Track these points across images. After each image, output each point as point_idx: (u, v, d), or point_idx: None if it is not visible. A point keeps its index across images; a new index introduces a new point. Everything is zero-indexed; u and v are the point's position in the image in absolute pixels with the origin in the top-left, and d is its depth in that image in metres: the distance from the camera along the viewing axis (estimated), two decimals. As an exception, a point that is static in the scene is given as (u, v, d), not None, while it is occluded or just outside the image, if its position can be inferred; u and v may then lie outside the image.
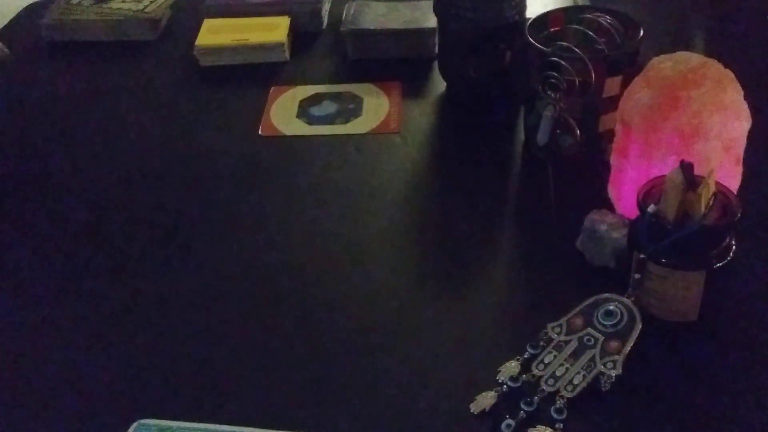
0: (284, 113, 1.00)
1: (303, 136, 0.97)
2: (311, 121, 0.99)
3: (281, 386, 0.67)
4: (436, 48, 1.05)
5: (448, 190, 0.89)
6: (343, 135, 0.96)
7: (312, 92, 1.04)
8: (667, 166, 0.68)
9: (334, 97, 1.03)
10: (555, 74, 0.80)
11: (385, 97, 1.02)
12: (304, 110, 1.01)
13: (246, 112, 1.02)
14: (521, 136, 0.93)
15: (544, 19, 0.86)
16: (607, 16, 0.84)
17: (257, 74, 1.09)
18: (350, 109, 1.00)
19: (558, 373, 0.65)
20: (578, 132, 0.82)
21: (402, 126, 0.97)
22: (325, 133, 0.97)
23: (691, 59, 0.72)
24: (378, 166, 0.92)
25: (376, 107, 1.00)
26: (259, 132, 0.98)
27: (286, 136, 0.97)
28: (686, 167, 0.64)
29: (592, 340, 0.66)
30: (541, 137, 0.83)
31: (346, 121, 0.98)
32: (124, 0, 1.22)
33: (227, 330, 0.73)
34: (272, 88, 1.05)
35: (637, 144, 0.73)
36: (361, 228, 0.83)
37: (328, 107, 1.01)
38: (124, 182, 0.92)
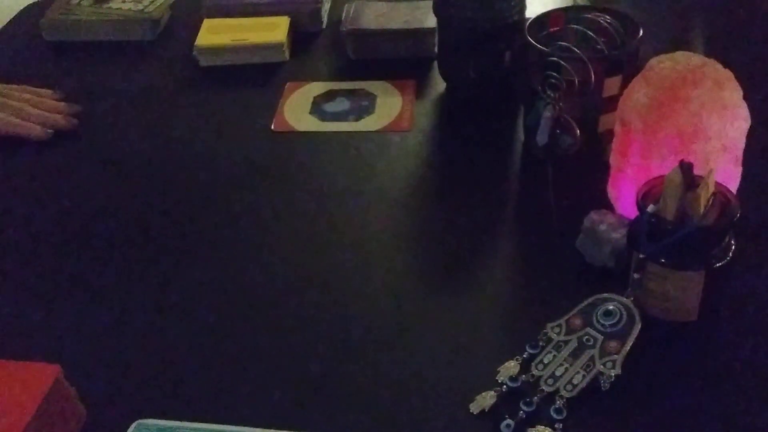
0: (298, 109, 1.01)
1: (314, 132, 0.97)
2: (324, 117, 0.99)
3: (281, 386, 0.67)
4: (436, 48, 1.05)
5: (447, 190, 0.89)
6: (353, 132, 0.96)
7: (326, 89, 1.04)
8: (666, 166, 0.68)
9: (348, 93, 1.03)
10: (555, 74, 0.80)
11: (399, 95, 1.02)
12: (317, 106, 1.01)
13: (245, 112, 1.02)
14: (521, 136, 0.93)
15: (544, 19, 0.86)
16: (607, 16, 0.84)
17: (257, 74, 1.09)
18: (363, 106, 1.00)
19: (557, 373, 0.65)
20: (578, 132, 0.82)
21: (413, 125, 0.97)
22: (336, 130, 0.97)
23: (690, 59, 0.72)
24: (377, 165, 0.92)
25: (389, 105, 1.00)
26: (272, 127, 0.98)
27: (297, 132, 0.97)
28: (685, 167, 0.64)
29: (592, 339, 0.66)
30: (541, 137, 0.83)
31: (359, 119, 0.98)
32: (124, 0, 1.22)
33: (227, 330, 0.73)
34: (287, 83, 1.05)
35: (637, 144, 0.73)
36: (360, 227, 0.83)
37: (342, 104, 1.01)
38: (124, 182, 0.92)
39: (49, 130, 0.99)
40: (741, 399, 0.63)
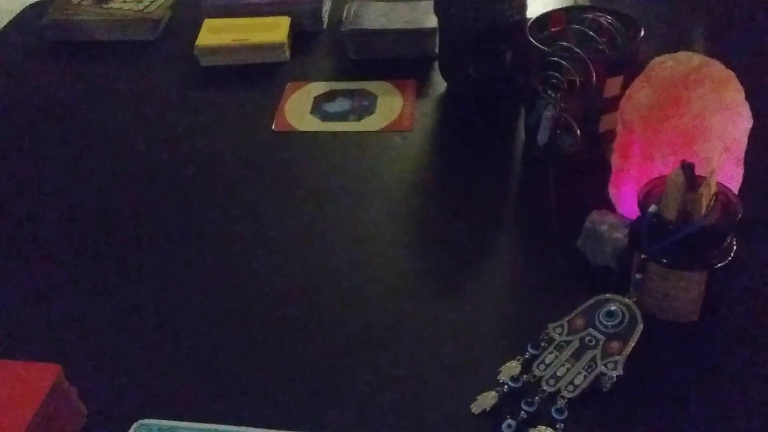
0: (299, 109, 1.01)
1: (315, 132, 0.97)
2: (324, 117, 0.99)
3: (281, 386, 0.67)
4: (436, 48, 1.05)
5: (448, 190, 0.88)
6: (353, 132, 0.96)
7: (327, 89, 1.04)
8: (667, 167, 0.68)
9: (349, 94, 1.03)
10: (556, 74, 0.80)
11: (400, 95, 1.02)
12: (318, 106, 1.01)
13: (246, 112, 1.02)
14: (521, 136, 0.93)
15: (545, 19, 0.86)
16: (608, 16, 0.84)
17: (257, 74, 1.09)
18: (364, 106, 1.00)
19: (559, 374, 0.64)
20: (579, 132, 0.82)
21: (413, 124, 0.97)
22: (337, 130, 0.97)
23: (692, 59, 0.72)
24: (378, 165, 0.92)
25: (390, 105, 1.00)
26: (273, 127, 0.98)
27: (298, 132, 0.97)
28: (687, 167, 0.64)
29: (594, 340, 0.66)
30: (542, 137, 0.83)
31: (359, 118, 0.98)
32: (124, 0, 1.22)
33: (227, 330, 0.73)
34: (288, 83, 1.05)
35: (638, 144, 0.73)
36: (361, 227, 0.83)
37: (342, 104, 1.01)
38: (125, 182, 0.92)
39: None
40: (741, 399, 0.63)
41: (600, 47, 0.81)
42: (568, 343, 0.66)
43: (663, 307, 0.68)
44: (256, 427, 0.62)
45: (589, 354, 0.65)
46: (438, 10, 0.97)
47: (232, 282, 0.78)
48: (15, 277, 0.80)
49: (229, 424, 0.63)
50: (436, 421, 0.63)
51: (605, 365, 0.64)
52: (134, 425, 0.62)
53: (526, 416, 0.62)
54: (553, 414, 0.62)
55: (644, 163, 0.72)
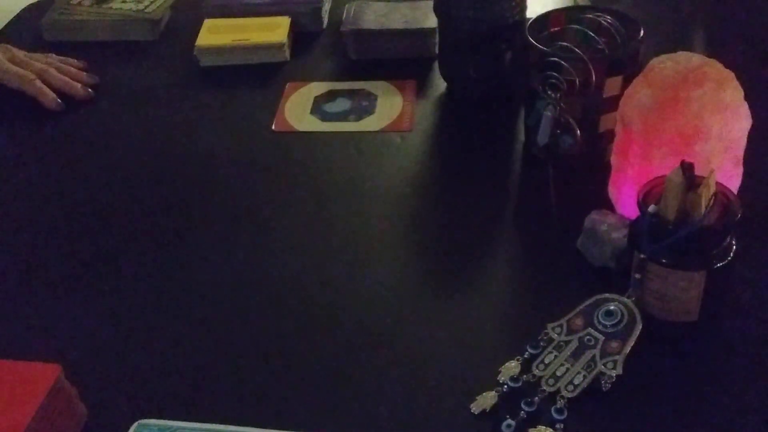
0: (299, 109, 1.01)
1: (315, 132, 0.97)
2: (324, 117, 0.99)
3: (281, 386, 0.67)
4: (436, 48, 1.05)
5: (447, 190, 0.89)
6: (353, 132, 0.96)
7: (327, 89, 1.04)
8: (667, 167, 0.68)
9: (349, 94, 1.03)
10: (555, 74, 0.80)
11: (400, 95, 1.02)
12: (318, 106, 1.01)
13: (246, 112, 1.02)
14: (521, 136, 0.93)
15: (545, 19, 0.86)
16: (608, 16, 0.84)
17: (257, 74, 1.09)
18: (364, 106, 1.00)
19: (558, 373, 0.65)
20: (578, 132, 0.82)
21: (413, 125, 0.97)
22: (337, 130, 0.97)
23: (691, 59, 0.72)
24: (378, 165, 0.92)
25: (390, 105, 1.00)
26: (273, 127, 0.98)
27: (298, 132, 0.97)
28: (686, 167, 0.64)
29: (593, 340, 0.66)
30: (541, 137, 0.83)
31: (359, 119, 0.98)
32: (124, 0, 1.22)
33: (227, 330, 0.73)
34: (288, 83, 1.05)
35: (638, 144, 0.73)
36: (361, 227, 0.83)
37: (342, 104, 1.01)
38: (125, 183, 0.92)
39: (60, 101, 1.03)
40: (741, 399, 0.63)
41: (599, 47, 0.82)
42: (567, 342, 0.66)
43: (662, 307, 0.68)
44: (256, 427, 0.62)
45: (589, 354, 0.65)
46: (438, 10, 0.97)
47: (232, 282, 0.78)
48: (15, 277, 0.80)
49: (229, 424, 0.63)
50: (436, 422, 0.63)
51: (604, 365, 0.64)
52: (134, 425, 0.62)
53: (525, 416, 0.62)
54: (553, 414, 0.62)
55: (644, 163, 0.72)
